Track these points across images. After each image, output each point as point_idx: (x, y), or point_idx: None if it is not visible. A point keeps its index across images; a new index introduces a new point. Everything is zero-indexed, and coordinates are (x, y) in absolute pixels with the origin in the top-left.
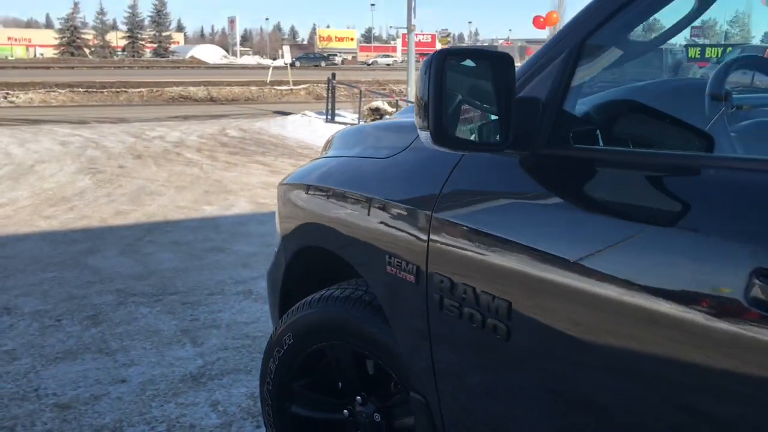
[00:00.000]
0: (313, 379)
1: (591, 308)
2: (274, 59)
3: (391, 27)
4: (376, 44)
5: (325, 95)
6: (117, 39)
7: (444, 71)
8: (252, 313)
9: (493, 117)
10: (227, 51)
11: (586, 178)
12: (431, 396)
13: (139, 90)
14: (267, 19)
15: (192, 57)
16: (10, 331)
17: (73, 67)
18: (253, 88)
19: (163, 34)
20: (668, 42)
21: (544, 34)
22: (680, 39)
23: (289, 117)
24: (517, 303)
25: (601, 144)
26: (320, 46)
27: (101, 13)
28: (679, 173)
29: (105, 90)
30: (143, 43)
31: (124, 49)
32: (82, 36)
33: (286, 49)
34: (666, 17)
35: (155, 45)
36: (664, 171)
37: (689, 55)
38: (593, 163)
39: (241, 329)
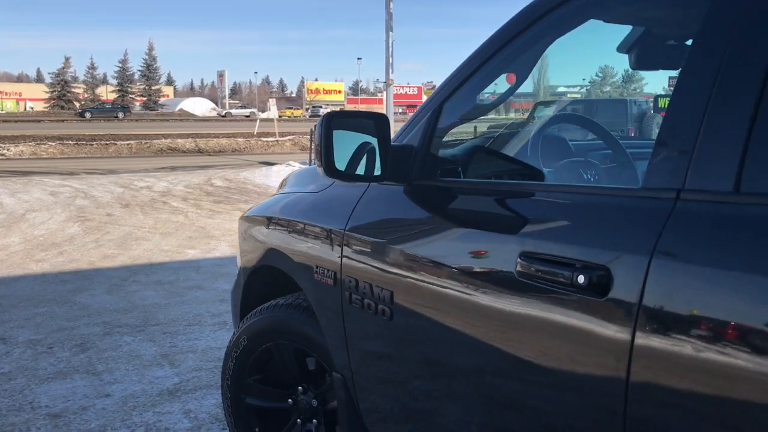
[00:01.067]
0: (263, 375)
1: (444, 296)
2: (263, 111)
3: (377, 80)
4: (363, 96)
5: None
6: (107, 93)
7: (330, 127)
8: (226, 340)
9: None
10: (216, 104)
11: (449, 202)
12: (347, 373)
13: (128, 142)
14: (256, 72)
15: (181, 110)
16: (6, 357)
17: (63, 120)
18: (240, 139)
19: (153, 87)
20: (634, 94)
21: None
22: (659, 88)
23: (274, 167)
24: (396, 292)
25: (462, 177)
26: (308, 99)
27: (92, 67)
28: (509, 196)
29: (94, 142)
30: (133, 96)
31: (113, 102)
32: (73, 90)
33: (272, 102)
34: (500, 86)
35: (145, 98)
36: (500, 195)
37: (659, 105)
38: (454, 191)
39: (215, 353)
